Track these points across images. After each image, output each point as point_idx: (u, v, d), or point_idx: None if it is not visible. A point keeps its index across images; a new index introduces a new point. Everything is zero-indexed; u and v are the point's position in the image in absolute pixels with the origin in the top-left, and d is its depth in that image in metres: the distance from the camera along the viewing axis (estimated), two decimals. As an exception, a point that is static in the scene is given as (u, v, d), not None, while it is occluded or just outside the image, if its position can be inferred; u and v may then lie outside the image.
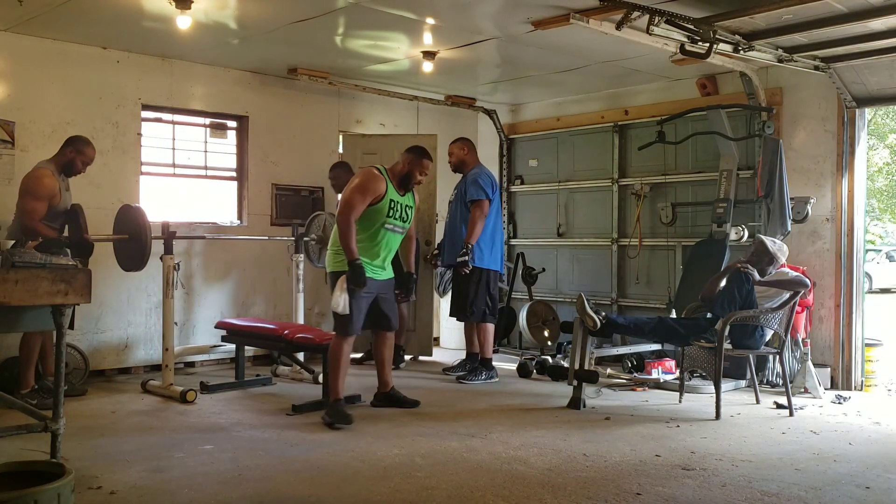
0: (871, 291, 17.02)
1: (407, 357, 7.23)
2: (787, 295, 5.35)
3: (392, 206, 4.87)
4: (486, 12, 5.42)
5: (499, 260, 6.44)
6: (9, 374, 5.60)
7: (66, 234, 5.15)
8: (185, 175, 6.97)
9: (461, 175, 6.50)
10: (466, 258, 6.09)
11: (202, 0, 5.11)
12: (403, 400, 5.28)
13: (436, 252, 7.04)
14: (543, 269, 7.75)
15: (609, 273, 7.64)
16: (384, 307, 5.08)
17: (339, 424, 4.69)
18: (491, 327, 6.37)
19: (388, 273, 5.10)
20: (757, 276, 5.45)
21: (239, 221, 7.18)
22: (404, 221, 5.02)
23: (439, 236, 7.10)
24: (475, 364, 6.42)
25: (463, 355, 6.70)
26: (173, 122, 6.86)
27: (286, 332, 5.53)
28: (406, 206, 5.02)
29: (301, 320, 6.50)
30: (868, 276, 16.22)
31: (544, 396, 5.80)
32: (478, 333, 6.37)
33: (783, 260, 5.61)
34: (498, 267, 6.41)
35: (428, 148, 7.19)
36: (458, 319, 6.53)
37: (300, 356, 6.19)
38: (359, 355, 6.80)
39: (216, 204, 7.20)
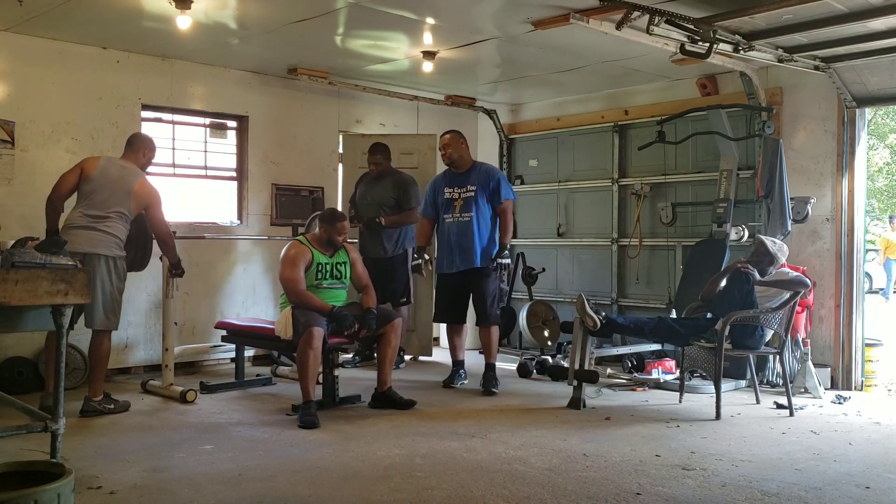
0: (871, 291, 17.01)
1: (407, 357, 7.23)
2: (787, 295, 5.35)
3: (320, 268, 5.23)
4: (486, 12, 5.41)
5: None
6: (9, 374, 5.61)
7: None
8: (185, 175, 6.97)
9: (457, 169, 6.16)
10: (509, 260, 6.09)
11: (202, 0, 5.11)
12: (399, 400, 5.28)
13: (418, 261, 6.28)
14: (543, 269, 7.75)
15: (609, 273, 7.64)
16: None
17: (305, 427, 4.71)
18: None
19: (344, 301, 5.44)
20: (757, 276, 5.45)
21: (239, 221, 7.18)
22: (337, 278, 5.33)
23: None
24: (461, 369, 6.21)
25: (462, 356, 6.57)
26: (173, 122, 6.86)
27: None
28: (337, 263, 5.33)
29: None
30: (868, 276, 16.21)
31: (544, 396, 5.80)
32: (492, 337, 6.06)
33: (783, 260, 5.61)
34: None
35: (427, 147, 7.33)
36: (480, 325, 6.11)
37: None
38: (349, 355, 6.78)
39: (216, 204, 7.20)
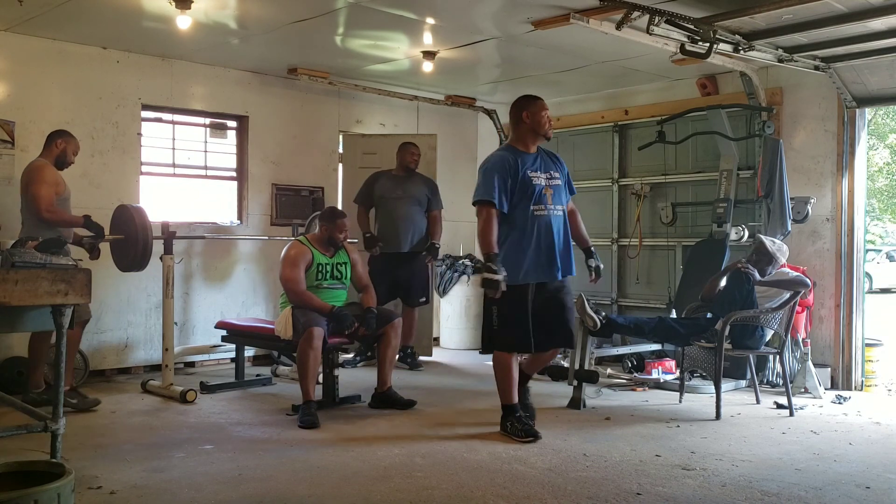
0: (871, 291, 17.02)
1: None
2: (787, 295, 5.35)
3: (320, 268, 5.22)
4: (486, 12, 5.42)
5: None
6: (8, 375, 5.61)
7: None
8: (185, 175, 6.97)
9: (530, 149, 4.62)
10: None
11: (202, 0, 5.11)
12: (399, 400, 5.28)
13: (498, 276, 4.27)
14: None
15: (609, 273, 7.63)
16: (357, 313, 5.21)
17: (304, 427, 4.71)
18: None
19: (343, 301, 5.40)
20: (757, 277, 5.45)
21: (239, 221, 7.18)
22: (338, 279, 5.31)
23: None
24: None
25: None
26: (173, 122, 6.86)
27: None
28: (337, 264, 5.32)
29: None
30: (868, 276, 16.23)
31: (544, 396, 5.79)
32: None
33: (783, 260, 5.61)
34: None
35: (427, 147, 7.32)
36: (556, 346, 4.86)
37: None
38: (350, 355, 6.77)
39: (216, 204, 7.20)
